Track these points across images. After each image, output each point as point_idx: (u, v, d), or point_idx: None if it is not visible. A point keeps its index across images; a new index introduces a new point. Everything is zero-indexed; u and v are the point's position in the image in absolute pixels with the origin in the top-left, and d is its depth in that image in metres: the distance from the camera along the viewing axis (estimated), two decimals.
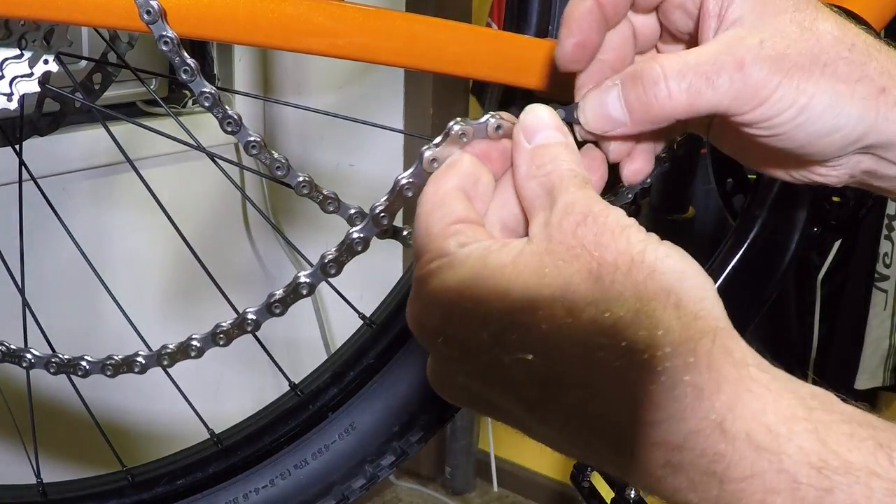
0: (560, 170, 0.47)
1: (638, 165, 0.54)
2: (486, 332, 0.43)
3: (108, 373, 0.68)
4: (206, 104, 0.58)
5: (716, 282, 0.66)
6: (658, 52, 0.57)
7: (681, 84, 0.48)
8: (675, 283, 0.41)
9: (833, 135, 0.49)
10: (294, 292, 0.62)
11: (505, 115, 0.51)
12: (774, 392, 0.39)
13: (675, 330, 0.40)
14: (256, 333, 0.66)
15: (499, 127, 0.51)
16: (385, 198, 0.56)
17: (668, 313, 0.40)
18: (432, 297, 0.45)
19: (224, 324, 0.65)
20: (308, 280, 0.62)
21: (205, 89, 0.58)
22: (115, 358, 0.68)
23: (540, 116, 0.49)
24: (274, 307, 0.63)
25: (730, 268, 0.68)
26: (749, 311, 0.69)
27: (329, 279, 0.61)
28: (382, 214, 0.56)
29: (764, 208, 0.69)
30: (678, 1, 0.52)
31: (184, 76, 0.57)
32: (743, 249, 0.68)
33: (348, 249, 0.59)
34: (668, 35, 0.55)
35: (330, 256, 0.60)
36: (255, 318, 0.64)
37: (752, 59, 0.47)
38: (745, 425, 0.38)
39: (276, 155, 0.60)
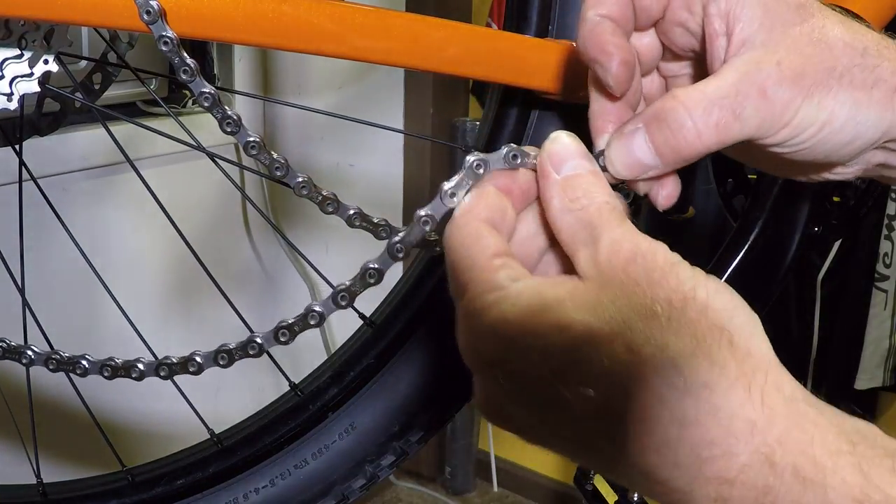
0: (597, 203, 0.47)
1: (669, 190, 0.54)
2: (548, 367, 0.44)
3: (107, 374, 0.68)
4: (206, 104, 0.58)
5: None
6: (660, 72, 0.56)
7: (708, 121, 0.48)
8: (727, 320, 0.43)
9: (854, 142, 0.50)
10: (303, 322, 0.62)
11: (527, 148, 0.51)
12: (821, 427, 0.41)
13: (730, 367, 0.41)
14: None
15: (515, 157, 0.51)
16: (403, 231, 0.56)
17: (723, 352, 0.42)
18: (490, 330, 0.45)
19: (230, 344, 0.65)
20: (320, 310, 0.62)
21: (204, 90, 0.58)
22: (116, 361, 0.68)
23: (566, 145, 0.49)
24: (281, 334, 0.63)
25: (731, 268, 0.68)
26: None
27: (340, 308, 0.61)
28: (399, 247, 0.56)
29: (765, 209, 0.69)
30: (679, 19, 0.52)
31: (183, 76, 0.57)
32: (744, 250, 0.68)
33: (362, 280, 0.59)
34: (671, 54, 0.55)
35: (342, 287, 0.60)
36: (260, 342, 0.64)
37: (774, 84, 0.47)
38: (793, 459, 0.40)
39: (275, 155, 0.60)
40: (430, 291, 0.74)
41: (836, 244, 1.62)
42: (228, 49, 1.78)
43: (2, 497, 0.79)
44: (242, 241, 1.88)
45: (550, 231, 0.49)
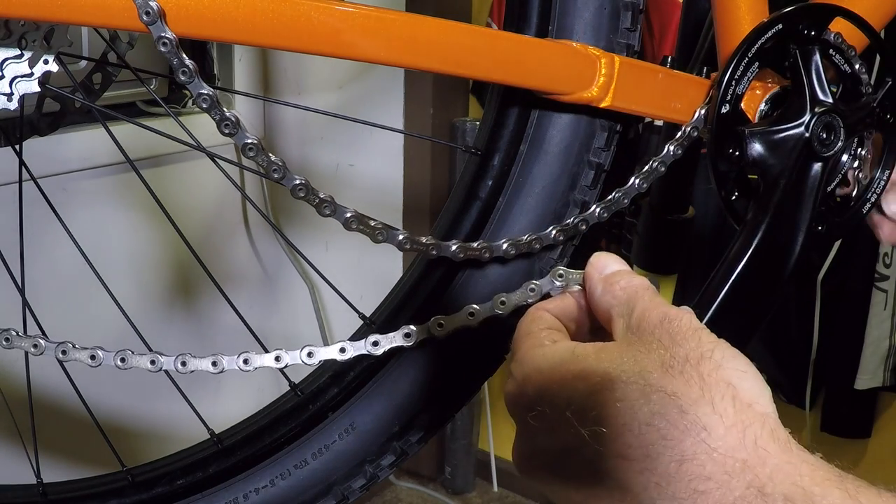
0: (634, 283, 0.55)
1: None
2: (570, 410, 0.50)
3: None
4: (204, 106, 0.58)
5: (721, 289, 0.66)
6: None
7: None
8: (736, 379, 0.48)
9: None
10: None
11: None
12: (811, 464, 0.45)
13: (729, 415, 0.46)
14: (257, 333, 0.66)
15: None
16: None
17: (726, 402, 0.47)
18: (527, 378, 0.53)
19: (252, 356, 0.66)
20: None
21: (203, 91, 0.58)
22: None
23: (608, 256, 0.59)
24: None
25: (736, 274, 0.68)
26: (756, 315, 0.69)
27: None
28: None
29: (768, 212, 0.69)
30: None
31: (182, 78, 0.57)
32: (748, 254, 0.68)
33: None
34: None
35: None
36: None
37: None
38: (783, 489, 0.43)
39: (273, 158, 0.60)
40: (429, 292, 0.74)
41: (836, 244, 1.62)
42: (228, 49, 1.78)
43: (2, 497, 0.79)
44: (242, 241, 1.88)
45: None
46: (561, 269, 0.63)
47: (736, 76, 0.70)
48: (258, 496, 0.74)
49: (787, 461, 0.45)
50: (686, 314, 0.51)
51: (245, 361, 0.67)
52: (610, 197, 0.71)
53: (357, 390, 0.76)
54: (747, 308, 0.68)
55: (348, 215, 0.61)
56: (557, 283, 0.63)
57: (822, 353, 1.72)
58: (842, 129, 0.71)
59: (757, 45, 0.70)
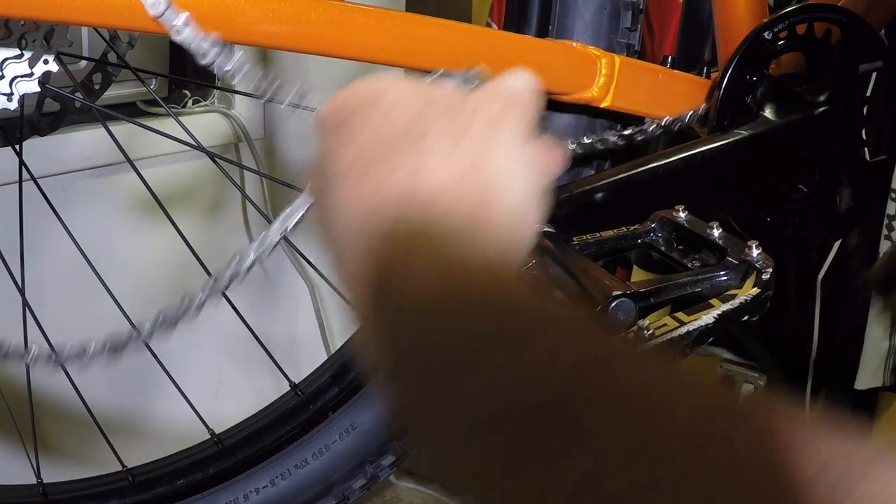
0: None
1: None
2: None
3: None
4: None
5: None
6: None
7: None
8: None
9: None
10: None
11: None
12: None
13: None
14: (257, 334, 0.66)
15: None
16: None
17: None
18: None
19: None
20: None
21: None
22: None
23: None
24: None
25: None
26: None
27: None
28: None
29: None
30: None
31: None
32: None
33: None
34: None
35: None
36: None
37: None
38: None
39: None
40: None
41: (836, 244, 1.62)
42: (228, 49, 1.78)
43: (2, 497, 0.79)
44: (242, 240, 1.88)
45: None
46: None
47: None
48: (258, 496, 0.74)
49: None
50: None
51: None
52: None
53: (357, 390, 0.76)
54: None
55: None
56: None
57: (822, 353, 1.72)
58: None
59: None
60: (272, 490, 0.75)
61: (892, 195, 1.53)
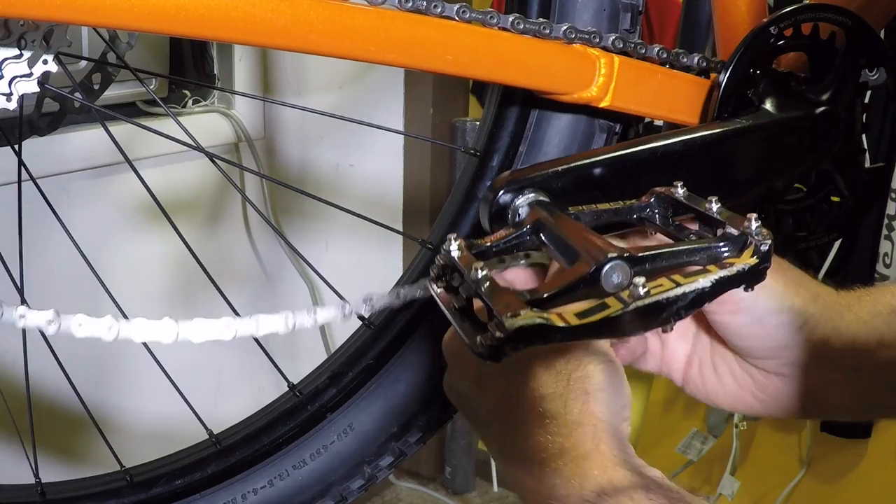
0: None
1: None
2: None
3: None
4: None
5: None
6: None
7: None
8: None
9: None
10: None
11: None
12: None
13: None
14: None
15: None
16: None
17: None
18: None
19: None
20: None
21: None
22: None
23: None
24: None
25: None
26: None
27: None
28: None
29: None
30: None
31: None
32: None
33: None
34: None
35: None
36: None
37: None
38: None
39: None
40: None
41: (836, 244, 1.62)
42: (228, 49, 1.78)
43: (1, 497, 0.79)
44: (242, 241, 1.88)
45: None
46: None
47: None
48: (256, 496, 0.74)
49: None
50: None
51: None
52: None
53: (356, 391, 0.76)
54: None
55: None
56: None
57: None
58: None
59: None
60: (270, 490, 0.75)
61: (892, 195, 1.53)
